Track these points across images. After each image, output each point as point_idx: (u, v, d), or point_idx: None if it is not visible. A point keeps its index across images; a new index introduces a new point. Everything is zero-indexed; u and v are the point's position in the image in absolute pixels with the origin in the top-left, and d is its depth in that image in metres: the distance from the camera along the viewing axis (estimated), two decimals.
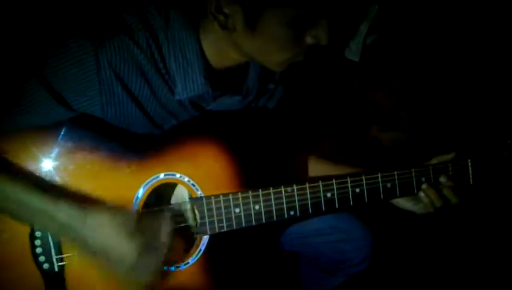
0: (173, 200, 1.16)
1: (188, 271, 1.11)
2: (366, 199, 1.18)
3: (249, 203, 1.12)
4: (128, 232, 0.94)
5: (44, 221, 0.96)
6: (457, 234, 1.81)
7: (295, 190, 1.14)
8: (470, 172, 1.20)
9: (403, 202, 1.22)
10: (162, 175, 1.09)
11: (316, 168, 1.39)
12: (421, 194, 1.18)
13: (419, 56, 2.03)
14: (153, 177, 1.09)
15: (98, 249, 0.94)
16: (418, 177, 1.20)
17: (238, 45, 1.02)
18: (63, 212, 0.94)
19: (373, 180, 1.18)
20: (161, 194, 1.14)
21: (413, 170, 1.20)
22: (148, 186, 1.09)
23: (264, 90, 1.28)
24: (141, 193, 1.08)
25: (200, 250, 1.11)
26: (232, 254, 1.15)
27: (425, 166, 1.21)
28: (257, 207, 1.12)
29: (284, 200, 1.14)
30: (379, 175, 1.18)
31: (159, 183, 1.09)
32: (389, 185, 1.19)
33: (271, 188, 1.13)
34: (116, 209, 0.98)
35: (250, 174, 1.15)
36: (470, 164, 1.21)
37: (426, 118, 1.98)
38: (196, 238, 1.13)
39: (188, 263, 1.11)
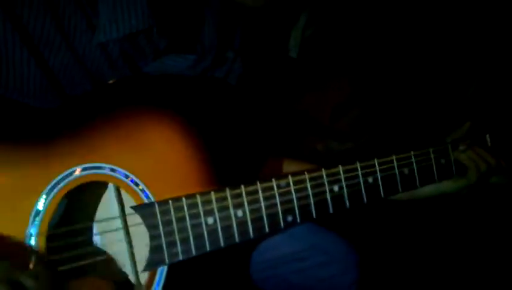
0: (100, 212, 0.69)
1: None
2: (382, 192, 0.85)
3: (227, 207, 0.70)
4: None
5: None
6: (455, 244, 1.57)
7: (291, 184, 0.76)
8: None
9: (435, 187, 0.91)
10: (78, 170, 0.63)
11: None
12: (462, 156, 0.90)
13: (366, 49, 1.82)
14: (62, 174, 0.62)
15: None
16: (438, 158, 0.91)
17: None
18: None
19: (388, 165, 0.86)
20: (82, 203, 0.67)
21: (431, 149, 0.91)
22: (55, 191, 0.61)
23: (222, 59, 0.90)
24: (43, 204, 0.60)
25: None
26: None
27: (443, 144, 0.93)
28: (240, 213, 0.71)
29: (278, 200, 0.75)
30: (394, 158, 0.86)
31: (73, 184, 0.63)
32: (406, 170, 0.88)
33: (258, 183, 0.73)
34: None
35: (221, 167, 0.74)
36: (488, 139, 0.97)
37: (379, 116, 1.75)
38: (146, 274, 0.66)
39: None
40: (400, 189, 0.87)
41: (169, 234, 0.66)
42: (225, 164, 0.75)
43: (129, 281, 0.68)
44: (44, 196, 0.61)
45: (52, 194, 0.61)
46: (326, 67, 1.83)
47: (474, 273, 1.49)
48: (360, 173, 0.83)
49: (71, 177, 0.63)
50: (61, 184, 0.62)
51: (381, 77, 1.80)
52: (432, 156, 0.91)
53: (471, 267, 1.50)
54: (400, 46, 1.76)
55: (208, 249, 0.68)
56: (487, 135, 0.97)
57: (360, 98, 1.75)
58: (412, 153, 0.88)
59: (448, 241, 1.57)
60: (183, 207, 0.67)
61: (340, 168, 0.81)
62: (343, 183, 0.81)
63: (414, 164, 0.88)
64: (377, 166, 0.85)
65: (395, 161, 0.87)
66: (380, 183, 0.85)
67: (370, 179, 0.84)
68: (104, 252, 0.67)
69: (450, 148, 0.93)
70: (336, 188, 0.80)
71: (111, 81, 0.69)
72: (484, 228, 1.56)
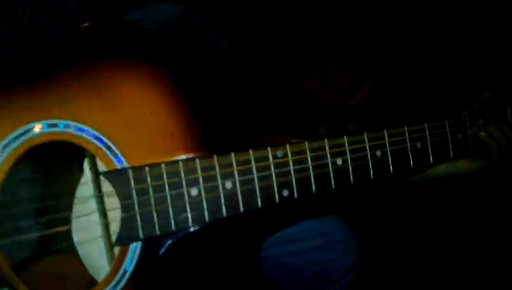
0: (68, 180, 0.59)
1: None
2: (391, 167, 0.75)
3: (214, 177, 0.61)
4: None
5: None
6: (456, 236, 1.49)
7: (289, 154, 0.66)
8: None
9: (448, 167, 0.82)
10: (37, 127, 0.53)
11: None
12: (481, 132, 0.79)
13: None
14: (17, 131, 0.52)
15: None
16: (454, 132, 0.82)
17: None
18: None
19: (398, 138, 0.76)
20: (45, 168, 0.58)
21: (447, 122, 0.81)
22: (7, 151, 0.52)
23: (215, 16, 0.80)
24: None
25: (125, 271, 0.56)
26: (186, 276, 0.62)
27: (460, 117, 0.83)
28: (229, 185, 0.62)
29: (273, 171, 0.65)
30: (406, 130, 0.77)
31: (31, 144, 0.53)
32: (419, 144, 0.78)
33: (250, 151, 0.64)
34: None
35: (210, 133, 0.65)
36: (509, 113, 0.87)
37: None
38: (115, 250, 0.57)
39: None
40: (412, 165, 0.77)
41: (144, 204, 0.57)
42: (214, 129, 0.66)
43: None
44: None
45: (4, 154, 0.52)
46: (331, 41, 1.71)
47: (470, 254, 1.41)
48: (367, 145, 0.73)
49: (29, 135, 0.53)
50: (16, 143, 0.52)
51: (390, 47, 1.68)
52: (448, 129, 0.81)
53: (467, 250, 1.43)
54: (410, 18, 1.65)
55: (190, 223, 0.59)
56: (508, 109, 0.87)
57: (372, 71, 1.64)
58: (426, 125, 0.79)
59: (449, 225, 1.49)
60: (162, 175, 0.58)
61: (345, 139, 0.71)
62: (348, 156, 0.71)
63: (428, 137, 0.79)
64: (386, 138, 0.75)
65: (406, 133, 0.77)
66: (390, 157, 0.75)
67: (378, 153, 0.74)
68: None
69: (468, 123, 0.84)
70: (339, 161, 0.71)
71: (82, 26, 0.60)
72: (480, 213, 1.48)
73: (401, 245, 1.42)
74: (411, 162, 0.77)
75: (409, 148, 0.77)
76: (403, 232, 1.44)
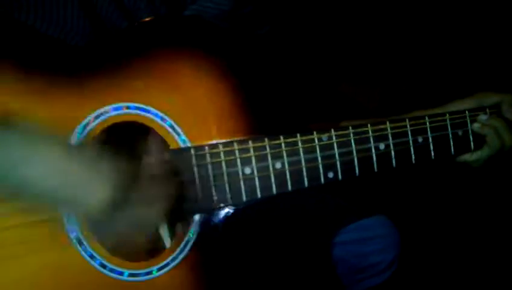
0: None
1: (162, 281, 0.62)
2: (433, 154, 0.78)
3: (265, 158, 0.67)
4: None
5: None
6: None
7: (334, 138, 0.71)
8: None
9: None
10: (111, 110, 0.60)
11: None
12: (480, 129, 0.80)
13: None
14: (95, 113, 0.60)
15: None
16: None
17: None
18: None
19: (440, 123, 0.79)
20: (117, 144, 0.65)
21: (487, 110, 0.83)
22: (87, 129, 0.59)
23: (264, 9, 0.85)
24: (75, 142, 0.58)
25: (188, 241, 0.63)
26: (244, 248, 0.68)
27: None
28: (278, 165, 0.67)
29: (319, 154, 0.70)
30: (447, 117, 0.79)
31: (106, 124, 0.60)
32: (460, 132, 0.80)
33: (298, 135, 0.69)
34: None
35: (261, 117, 0.70)
36: None
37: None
38: (179, 221, 0.64)
39: (168, 264, 0.62)
40: (453, 151, 0.80)
41: (204, 180, 0.63)
42: (265, 114, 0.71)
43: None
44: (77, 135, 0.59)
45: (84, 132, 0.59)
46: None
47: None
48: (409, 130, 0.77)
49: (104, 117, 0.60)
50: (94, 123, 0.60)
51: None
52: (488, 112, 0.82)
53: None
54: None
55: (244, 199, 0.65)
56: None
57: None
58: (467, 113, 0.81)
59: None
60: (219, 154, 0.64)
61: (388, 124, 0.75)
62: (390, 141, 0.75)
63: (469, 124, 0.81)
64: (427, 124, 0.78)
65: (448, 120, 0.80)
66: (431, 144, 0.78)
67: (420, 139, 0.78)
68: None
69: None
70: (381, 145, 0.75)
71: (147, 19, 0.66)
72: None
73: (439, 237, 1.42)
74: (452, 149, 0.80)
75: (450, 135, 0.80)
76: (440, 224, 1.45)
